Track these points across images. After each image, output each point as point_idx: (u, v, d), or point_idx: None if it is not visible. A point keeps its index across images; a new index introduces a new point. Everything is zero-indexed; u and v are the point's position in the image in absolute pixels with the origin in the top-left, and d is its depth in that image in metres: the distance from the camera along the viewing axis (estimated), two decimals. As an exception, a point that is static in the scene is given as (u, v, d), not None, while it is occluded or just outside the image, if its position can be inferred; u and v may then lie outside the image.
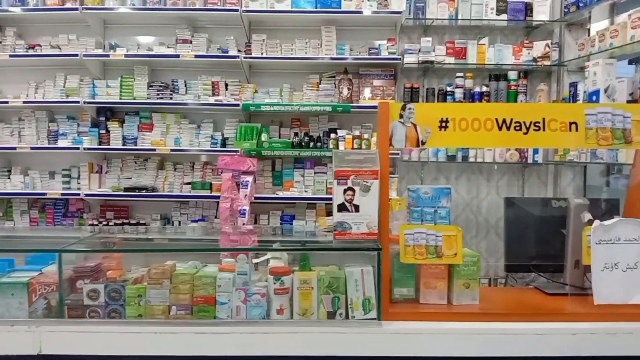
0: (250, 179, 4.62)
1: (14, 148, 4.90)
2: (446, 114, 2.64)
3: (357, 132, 4.81)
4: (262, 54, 4.83)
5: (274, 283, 2.51)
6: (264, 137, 4.78)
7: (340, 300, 2.52)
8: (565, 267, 2.80)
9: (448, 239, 2.62)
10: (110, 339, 2.46)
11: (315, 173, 4.86)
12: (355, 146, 4.69)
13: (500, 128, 2.62)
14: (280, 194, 4.81)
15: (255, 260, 2.83)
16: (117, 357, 2.46)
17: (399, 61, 4.76)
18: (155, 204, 5.04)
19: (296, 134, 4.86)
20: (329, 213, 4.87)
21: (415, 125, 2.64)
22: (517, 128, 2.62)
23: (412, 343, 2.49)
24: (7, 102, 4.89)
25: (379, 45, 4.87)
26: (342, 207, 2.55)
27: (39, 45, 4.92)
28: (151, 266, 2.70)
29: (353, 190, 2.53)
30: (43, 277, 2.60)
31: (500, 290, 3.45)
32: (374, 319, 2.50)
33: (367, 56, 4.80)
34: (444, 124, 2.64)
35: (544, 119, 2.61)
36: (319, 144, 4.79)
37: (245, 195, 4.58)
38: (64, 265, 2.56)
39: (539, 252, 2.93)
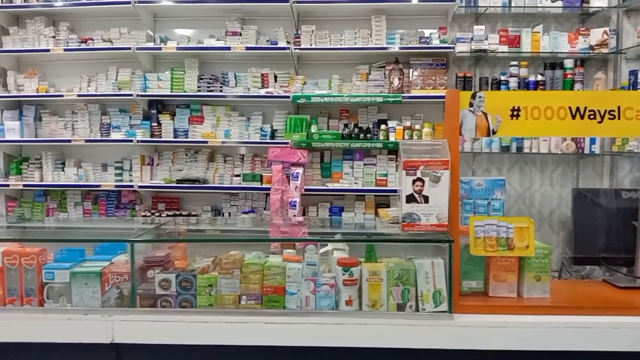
0: (300, 170, 4.62)
1: (68, 141, 5.00)
2: (518, 102, 2.57)
3: (407, 123, 4.75)
4: (311, 45, 4.81)
5: (343, 274, 2.50)
6: (313, 128, 4.76)
7: (410, 292, 2.49)
8: (636, 259, 2.72)
9: (519, 230, 2.56)
10: (181, 329, 2.49)
11: (364, 165, 4.83)
12: (406, 137, 4.64)
13: (574, 117, 2.54)
14: (330, 185, 4.80)
15: (320, 251, 2.82)
16: (189, 346, 2.49)
17: (451, 50, 4.67)
18: (206, 196, 5.09)
19: (345, 125, 4.83)
20: (378, 205, 4.84)
21: (485, 114, 2.58)
22: (592, 117, 2.54)
23: (484, 336, 2.45)
24: (61, 96, 4.99)
25: (430, 34, 4.78)
26: (410, 198, 2.51)
27: (92, 39, 5.00)
28: (221, 256, 2.72)
29: (422, 181, 2.50)
30: (114, 266, 2.65)
31: (569, 284, 3.36)
32: (445, 311, 2.46)
33: (418, 45, 4.72)
34: (515, 113, 2.58)
35: (619, 107, 2.53)
36: (368, 135, 4.75)
37: (296, 187, 4.58)
38: (134, 255, 2.60)
39: (609, 245, 2.84)
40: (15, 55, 5.14)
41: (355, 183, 4.81)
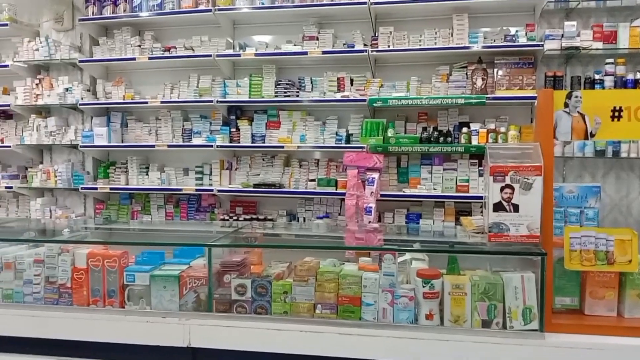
0: (376, 175, 4.50)
1: (152, 146, 5.19)
2: (620, 102, 2.33)
3: (491, 126, 4.50)
4: (388, 46, 4.69)
5: (423, 286, 2.37)
6: (390, 132, 4.63)
7: (497, 308, 2.31)
8: None
9: (621, 243, 2.31)
10: (256, 335, 2.46)
11: (444, 170, 4.63)
12: (490, 140, 4.39)
13: (684, 118, 2.27)
14: (407, 191, 4.64)
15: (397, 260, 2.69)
16: (263, 354, 2.44)
17: (540, 48, 4.38)
18: (282, 200, 5.09)
19: (424, 129, 4.65)
20: (458, 212, 4.62)
21: (583, 115, 2.36)
22: None
23: (579, 358, 2.22)
24: (146, 103, 5.19)
25: (516, 31, 4.52)
26: (498, 207, 2.34)
27: (174, 48, 5.16)
28: (294, 263, 2.67)
29: (512, 188, 2.31)
30: (192, 270, 2.67)
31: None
32: (536, 330, 2.27)
33: (503, 44, 4.47)
34: (617, 114, 2.34)
35: None
36: (448, 138, 4.54)
37: (372, 192, 4.47)
38: (212, 259, 2.60)
39: None
40: (104, 64, 5.41)
41: (434, 189, 4.62)
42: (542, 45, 4.36)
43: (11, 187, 5.36)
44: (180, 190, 5.11)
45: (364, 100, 4.63)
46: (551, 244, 2.30)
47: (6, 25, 5.28)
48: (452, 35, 4.59)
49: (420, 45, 4.66)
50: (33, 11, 5.50)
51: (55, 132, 5.35)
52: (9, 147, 5.38)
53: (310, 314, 2.48)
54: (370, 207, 4.41)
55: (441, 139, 4.56)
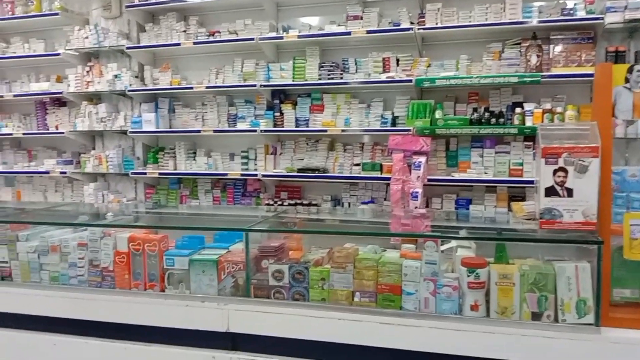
0: (423, 159, 4.34)
1: (199, 131, 5.22)
2: (691, 75, 2.10)
3: (547, 106, 4.23)
4: (436, 24, 4.48)
5: (468, 276, 2.24)
6: (438, 114, 4.45)
7: (548, 300, 2.16)
8: None
9: (690, 232, 2.10)
10: (294, 322, 2.41)
11: (496, 153, 4.41)
12: (546, 121, 4.13)
13: None
14: (456, 175, 4.46)
15: (442, 248, 2.57)
16: (301, 341, 2.40)
17: (600, 21, 4.06)
18: (326, 185, 5.02)
19: (475, 110, 4.44)
20: (512, 197, 4.40)
21: (647, 91, 2.15)
22: None
23: (639, 356, 2.05)
24: (192, 88, 5.22)
25: (574, 4, 4.21)
26: (551, 191, 2.17)
27: (218, 32, 5.15)
28: (334, 249, 2.60)
29: (566, 171, 2.14)
30: (231, 255, 2.65)
31: None
32: (591, 324, 2.10)
33: (560, 17, 4.18)
34: (687, 88, 2.11)
35: None
36: (500, 120, 4.31)
37: (418, 176, 4.31)
38: (250, 244, 2.57)
39: None
40: (151, 50, 5.47)
41: (485, 173, 4.41)
42: (603, 19, 4.04)
43: (65, 172, 5.54)
44: (226, 175, 5.13)
45: (411, 81, 4.46)
46: (609, 232, 2.12)
47: (57, 14, 5.42)
48: (504, 11, 4.33)
49: (470, 21, 4.43)
50: (83, 0, 5.62)
51: (106, 119, 5.48)
52: (63, 133, 5.56)
53: (349, 301, 2.40)
54: (417, 192, 4.26)
55: (493, 120, 4.33)
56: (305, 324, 2.40)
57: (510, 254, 2.41)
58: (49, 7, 5.57)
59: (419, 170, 4.30)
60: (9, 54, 5.82)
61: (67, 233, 2.88)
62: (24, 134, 5.80)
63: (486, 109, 4.41)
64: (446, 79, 4.39)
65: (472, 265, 2.25)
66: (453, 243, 2.67)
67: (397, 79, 4.54)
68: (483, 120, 4.34)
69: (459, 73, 4.50)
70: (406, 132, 4.45)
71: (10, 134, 5.82)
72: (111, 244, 2.70)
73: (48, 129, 5.79)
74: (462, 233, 2.78)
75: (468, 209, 4.50)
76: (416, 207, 4.23)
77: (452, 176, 4.47)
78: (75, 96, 5.55)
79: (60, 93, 5.52)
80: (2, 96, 5.79)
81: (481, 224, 3.30)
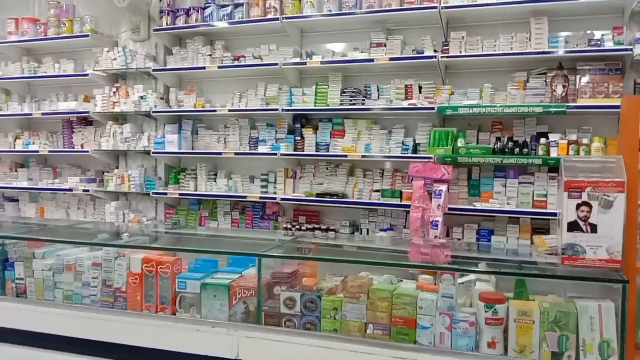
0: (444, 188, 4.27)
1: (220, 153, 5.25)
2: None
3: (573, 137, 4.14)
4: (460, 52, 4.46)
5: (486, 311, 2.16)
6: (460, 142, 4.39)
7: (569, 339, 2.06)
8: None
9: None
10: (305, 352, 2.35)
11: (519, 183, 4.31)
12: (572, 153, 4.04)
13: None
14: (478, 205, 4.36)
15: (459, 281, 2.49)
16: (311, 372, 2.34)
17: (629, 53, 3.98)
18: (345, 211, 4.97)
19: (498, 139, 4.36)
20: (535, 230, 4.28)
21: (677, 125, 2.07)
22: None
23: (668, 406, 1.93)
24: (215, 111, 5.27)
25: (602, 35, 4.14)
26: (573, 226, 2.09)
27: (243, 57, 5.21)
28: (347, 278, 2.55)
29: (589, 205, 2.06)
30: (243, 280, 2.61)
31: None
32: (615, 368, 2.00)
33: (588, 48, 4.11)
34: None
35: None
36: (524, 150, 4.23)
37: (438, 205, 4.24)
38: (262, 270, 2.53)
39: None
40: (177, 73, 5.56)
41: (508, 203, 4.31)
42: (632, 50, 3.96)
43: (88, 190, 5.61)
44: (245, 197, 5.13)
45: (433, 108, 4.42)
46: (635, 270, 2.03)
47: (87, 36, 5.56)
48: (529, 40, 4.28)
49: (494, 50, 4.39)
50: (112, 22, 5.75)
51: (130, 139, 5.56)
52: (88, 152, 5.65)
53: (361, 333, 2.34)
54: (437, 221, 4.19)
55: (516, 150, 4.25)
56: (317, 354, 2.34)
57: (531, 290, 2.33)
58: (80, 29, 5.72)
59: (440, 198, 4.23)
60: (40, 73, 5.98)
61: (83, 252, 2.89)
62: (49, 151, 5.91)
63: (510, 139, 4.33)
64: (469, 107, 4.34)
65: (490, 301, 2.17)
66: (471, 276, 2.59)
67: (419, 105, 4.51)
68: (506, 150, 4.26)
69: (483, 102, 4.45)
70: (427, 160, 4.39)
71: (37, 152, 5.94)
72: (125, 265, 2.70)
73: (74, 147, 5.90)
74: (481, 266, 2.70)
75: (490, 240, 4.39)
76: (436, 237, 4.15)
77: (474, 206, 4.37)
78: (101, 116, 5.66)
79: (87, 112, 5.63)
80: (30, 114, 5.93)
81: (502, 257, 3.21)
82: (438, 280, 2.43)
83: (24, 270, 2.84)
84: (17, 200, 6.28)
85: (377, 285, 2.39)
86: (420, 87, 4.64)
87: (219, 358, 2.49)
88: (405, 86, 4.66)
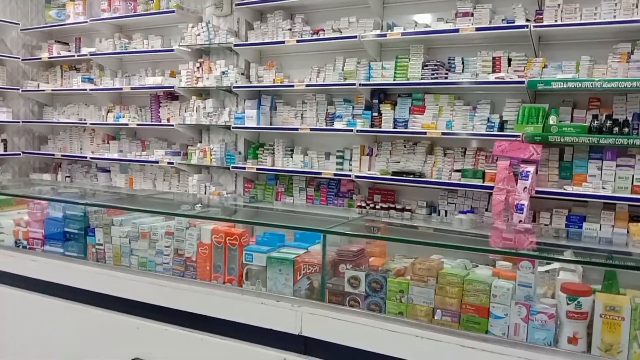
0: (531, 169, 3.97)
1: (297, 129, 5.23)
2: None
3: (684, 115, 3.68)
4: (555, 21, 4.08)
5: (568, 304, 1.96)
6: (552, 119, 4.04)
7: (666, 342, 1.82)
8: None
9: None
10: (368, 333, 2.26)
11: (617, 166, 3.91)
12: (682, 133, 3.60)
13: None
14: (569, 189, 4.02)
15: (540, 269, 2.29)
16: (374, 354, 2.25)
17: None
18: (422, 191, 4.78)
19: (595, 117, 3.97)
20: (633, 218, 3.89)
21: None
22: None
23: None
24: (292, 86, 5.24)
25: None
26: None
27: (322, 30, 5.11)
28: (415, 259, 2.42)
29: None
30: (308, 256, 2.56)
31: None
32: None
33: None
34: None
35: None
36: (625, 129, 3.82)
37: (525, 187, 3.95)
38: (328, 247, 2.46)
39: None
40: (257, 48, 5.58)
41: (604, 188, 3.93)
42: None
43: (173, 163, 5.83)
44: (320, 174, 5.09)
45: (523, 83, 4.10)
46: None
47: (173, 12, 5.71)
48: (637, 7, 3.83)
49: (595, 18, 3.97)
50: (198, -2, 5.89)
51: (212, 113, 5.68)
52: (173, 126, 5.85)
53: (429, 318, 2.21)
54: (522, 205, 3.91)
55: (615, 129, 3.85)
56: (380, 337, 2.24)
57: (623, 283, 2.08)
58: (166, 5, 5.89)
59: (527, 180, 3.94)
60: (130, 49, 6.25)
61: (158, 221, 2.97)
62: (138, 124, 6.19)
63: (608, 117, 3.93)
64: (564, 81, 3.97)
65: (573, 292, 1.96)
66: (556, 265, 2.37)
67: (508, 80, 4.19)
68: (604, 129, 3.88)
69: (579, 76, 4.06)
70: (514, 139, 4.10)
71: (127, 125, 6.24)
72: (195, 235, 2.74)
73: (160, 121, 6.14)
74: (567, 254, 2.45)
75: (581, 227, 4.05)
76: (520, 221, 3.89)
77: (565, 189, 4.04)
78: (185, 91, 5.82)
79: (172, 87, 5.81)
80: (121, 88, 6.23)
81: (591, 245, 2.92)
82: (517, 268, 2.23)
83: (103, 236, 2.96)
84: (109, 171, 6.67)
85: (448, 270, 2.25)
86: (509, 60, 4.33)
87: (282, 332, 2.46)
88: (493, 58, 4.36)
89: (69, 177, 7.01)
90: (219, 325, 2.60)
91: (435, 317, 2.20)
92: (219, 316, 2.61)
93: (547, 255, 2.31)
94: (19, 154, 7.11)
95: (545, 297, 2.14)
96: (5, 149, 6.94)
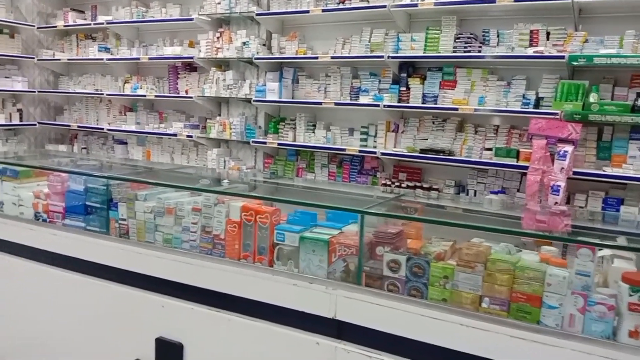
0: (569, 148, 3.80)
1: (320, 103, 5.06)
2: None
3: None
4: (599, -8, 3.85)
5: (630, 295, 1.81)
6: (592, 97, 3.84)
7: None
8: None
9: None
10: (408, 320, 2.14)
11: (660, 147, 3.73)
12: None
13: None
14: (608, 170, 3.84)
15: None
16: (413, 341, 2.13)
17: None
18: (450, 169, 4.62)
19: (638, 95, 3.77)
20: (675, 201, 3.71)
21: None
22: None
23: None
24: (317, 58, 5.05)
25: None
26: None
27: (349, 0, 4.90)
28: (461, 244, 2.28)
29: None
30: (343, 237, 2.43)
31: None
32: None
33: None
34: None
35: None
36: (670, 109, 3.63)
37: (562, 168, 3.78)
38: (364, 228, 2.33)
39: None
40: (279, 18, 5.38)
41: (644, 170, 3.76)
42: None
43: (192, 136, 5.70)
44: (344, 150, 4.93)
45: (563, 58, 3.89)
46: None
47: (193, -21, 5.53)
48: (691, -24, 3.59)
49: (644, -11, 3.74)
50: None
51: (232, 86, 5.51)
52: (192, 98, 5.70)
53: (475, 307, 2.08)
54: (559, 186, 3.75)
55: (660, 108, 3.65)
56: (421, 324, 2.12)
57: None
58: (186, -28, 5.70)
59: (564, 160, 3.77)
60: (147, 18, 6.06)
61: (184, 196, 2.85)
62: (156, 96, 6.05)
63: (654, 95, 3.72)
64: (608, 57, 3.76)
65: (637, 284, 1.81)
66: (606, 252, 2.22)
67: (546, 54, 3.98)
68: (648, 108, 3.67)
69: (623, 51, 3.84)
70: (551, 116, 3.91)
71: (144, 96, 6.10)
72: (224, 212, 2.61)
73: (178, 93, 5.99)
74: (621, 240, 2.30)
75: (618, 210, 3.88)
76: (556, 203, 3.73)
77: (603, 171, 3.86)
78: (204, 62, 5.65)
79: (192, 58, 5.65)
80: (138, 58, 6.07)
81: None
82: (570, 255, 2.09)
83: (126, 211, 2.85)
84: (125, 143, 6.56)
85: (498, 255, 2.10)
86: (548, 33, 4.11)
87: (315, 315, 2.35)
88: (531, 32, 4.15)
89: (85, 148, 6.91)
90: (248, 306, 2.49)
91: (483, 305, 2.06)
92: (248, 296, 2.50)
93: (609, 243, 2.16)
94: (35, 124, 7.01)
95: (603, 288, 2.00)
96: (20, 119, 6.85)
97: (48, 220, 3.15)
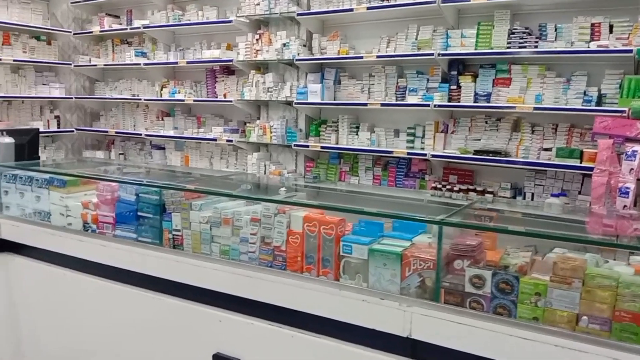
0: (638, 148, 3.55)
1: (364, 104, 4.90)
2: None
3: None
4: (670, -20, 3.61)
5: None
6: (662, 93, 3.60)
7: None
8: None
9: None
10: (494, 340, 1.96)
11: None
12: None
13: None
14: (680, 171, 3.60)
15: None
16: (502, 364, 1.96)
17: None
18: (505, 171, 4.40)
19: None
20: None
21: None
22: None
23: None
24: (360, 58, 4.89)
25: None
26: None
27: (394, -4, 4.73)
28: (542, 255, 2.10)
29: None
30: (417, 249, 2.26)
31: None
32: None
33: None
34: None
35: None
36: None
37: (631, 169, 3.54)
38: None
39: None
40: (320, 18, 5.23)
41: None
42: None
43: (232, 141, 5.60)
44: (390, 152, 4.75)
45: (630, 52, 3.65)
46: None
47: (230, -20, 5.42)
48: None
49: None
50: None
51: (272, 88, 5.39)
52: (231, 101, 5.60)
53: (571, 326, 1.89)
54: (628, 188, 3.51)
55: None
56: (509, 345, 1.94)
57: None
58: (223, -27, 5.60)
59: (633, 161, 3.53)
60: (184, 21, 5.99)
61: (240, 206, 2.72)
62: (194, 100, 5.97)
63: None
64: (680, 49, 3.52)
65: None
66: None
67: (611, 49, 3.75)
68: None
69: (698, 43, 3.59)
70: (618, 114, 3.67)
71: (182, 100, 6.03)
72: (285, 222, 2.47)
73: (217, 97, 5.90)
74: None
75: (694, 213, 3.62)
76: (625, 206, 3.49)
77: (677, 171, 3.60)
78: (244, 65, 5.55)
79: (230, 61, 5.55)
80: (176, 63, 6.00)
81: None
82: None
83: (181, 221, 2.74)
84: (163, 149, 6.50)
85: (597, 270, 1.91)
86: (611, 26, 3.87)
87: (387, 334, 2.19)
88: (592, 25, 3.92)
89: (122, 154, 6.89)
90: (313, 322, 2.35)
91: (580, 325, 1.87)
92: (313, 312, 2.36)
93: None
94: (72, 131, 7.02)
95: None
96: (58, 126, 6.85)
97: (97, 231, 3.07)
